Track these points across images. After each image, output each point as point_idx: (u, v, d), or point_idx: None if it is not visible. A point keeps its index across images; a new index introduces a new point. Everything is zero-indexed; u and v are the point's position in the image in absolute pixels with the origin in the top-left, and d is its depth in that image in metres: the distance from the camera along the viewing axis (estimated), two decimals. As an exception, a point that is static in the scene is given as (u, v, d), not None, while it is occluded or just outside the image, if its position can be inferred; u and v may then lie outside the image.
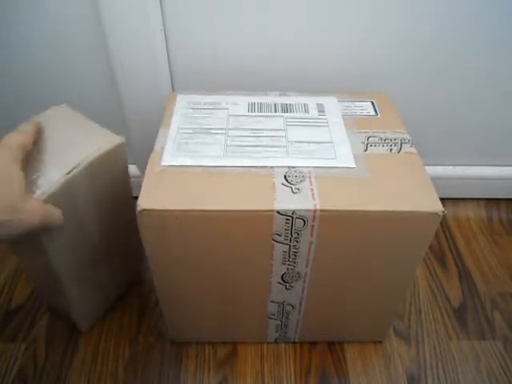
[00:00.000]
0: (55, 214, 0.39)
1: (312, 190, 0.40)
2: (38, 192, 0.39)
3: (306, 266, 0.44)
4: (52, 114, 0.46)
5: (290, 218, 0.39)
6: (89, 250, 0.49)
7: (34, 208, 0.37)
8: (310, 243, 0.41)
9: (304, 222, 0.39)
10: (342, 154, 0.44)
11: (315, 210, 0.38)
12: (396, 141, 0.47)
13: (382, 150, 0.45)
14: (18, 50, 0.58)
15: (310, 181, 0.41)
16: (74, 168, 0.40)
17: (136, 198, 0.39)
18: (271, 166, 0.42)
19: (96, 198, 0.45)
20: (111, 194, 0.48)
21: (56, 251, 0.44)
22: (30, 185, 0.39)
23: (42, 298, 0.59)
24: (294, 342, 0.56)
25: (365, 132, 0.48)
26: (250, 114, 0.49)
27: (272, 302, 0.49)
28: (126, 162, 0.48)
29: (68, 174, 0.40)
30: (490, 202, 0.77)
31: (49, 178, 0.39)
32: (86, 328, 0.56)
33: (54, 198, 0.39)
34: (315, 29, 0.57)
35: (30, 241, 0.41)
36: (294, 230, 0.40)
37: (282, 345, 0.55)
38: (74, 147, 0.42)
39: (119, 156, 0.45)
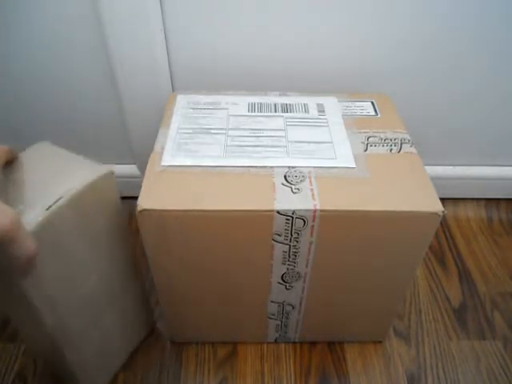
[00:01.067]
0: (29, 238, 0.33)
1: (312, 190, 0.40)
2: None
3: (306, 266, 0.44)
4: (32, 151, 0.41)
5: (290, 218, 0.39)
6: (88, 294, 0.43)
7: (3, 207, 0.31)
8: (310, 243, 0.41)
9: (304, 222, 0.39)
10: (342, 154, 0.44)
11: (315, 210, 0.38)
12: (396, 141, 0.47)
13: (382, 150, 0.45)
14: (18, 49, 0.58)
15: (310, 181, 0.41)
16: (55, 203, 0.36)
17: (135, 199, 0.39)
18: (271, 166, 0.42)
19: (86, 234, 0.40)
20: (103, 228, 0.42)
21: (43, 300, 0.38)
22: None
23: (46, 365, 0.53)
24: (294, 342, 0.56)
25: (365, 132, 0.48)
26: (250, 114, 0.49)
27: (272, 301, 0.49)
28: (116, 194, 0.42)
29: (48, 209, 0.35)
30: (490, 202, 0.77)
31: (28, 215, 0.35)
32: None
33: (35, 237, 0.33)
34: (315, 29, 0.57)
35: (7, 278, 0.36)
36: (294, 230, 0.40)
37: (282, 345, 0.55)
38: (55, 181, 0.38)
39: (107, 187, 0.40)
